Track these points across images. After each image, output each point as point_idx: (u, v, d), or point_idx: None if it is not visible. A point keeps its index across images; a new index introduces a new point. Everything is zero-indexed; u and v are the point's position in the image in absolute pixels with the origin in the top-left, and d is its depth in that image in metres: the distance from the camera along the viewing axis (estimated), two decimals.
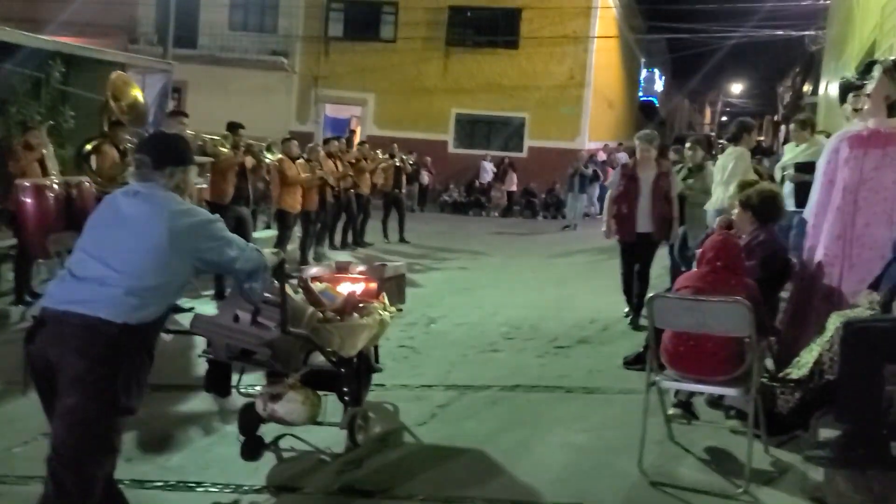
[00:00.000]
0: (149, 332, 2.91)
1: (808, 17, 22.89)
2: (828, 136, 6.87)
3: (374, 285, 4.77)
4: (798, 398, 4.38)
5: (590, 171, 19.78)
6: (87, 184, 7.50)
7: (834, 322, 4.30)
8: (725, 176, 7.13)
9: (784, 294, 5.58)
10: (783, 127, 26.17)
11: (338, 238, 12.78)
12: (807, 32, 23.00)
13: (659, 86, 39.77)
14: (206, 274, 7.78)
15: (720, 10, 24.16)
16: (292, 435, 4.36)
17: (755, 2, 23.70)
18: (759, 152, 13.63)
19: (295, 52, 24.53)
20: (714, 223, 5.74)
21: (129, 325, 2.80)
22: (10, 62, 8.61)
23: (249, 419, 4.14)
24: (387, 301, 4.64)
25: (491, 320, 7.83)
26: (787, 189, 7.21)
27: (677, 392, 4.70)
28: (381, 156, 14.25)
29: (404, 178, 15.28)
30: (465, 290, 9.65)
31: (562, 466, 4.27)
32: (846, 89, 5.67)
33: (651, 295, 4.29)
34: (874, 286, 4.37)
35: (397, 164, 14.56)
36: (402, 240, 14.26)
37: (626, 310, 7.68)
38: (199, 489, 3.87)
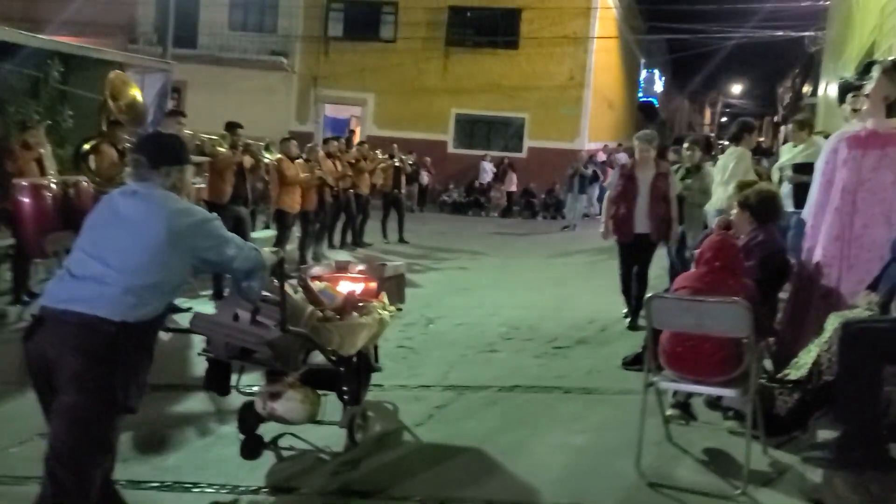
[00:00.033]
0: (147, 330, 2.92)
1: (808, 17, 22.94)
2: (826, 136, 6.86)
3: (373, 284, 4.79)
4: (796, 399, 4.39)
5: (589, 171, 19.77)
6: (85, 183, 7.49)
7: (832, 323, 4.30)
8: (726, 176, 7.13)
9: (783, 295, 5.57)
10: (783, 128, 26.18)
11: (337, 238, 12.79)
12: (806, 33, 23.01)
13: (659, 86, 39.74)
14: (204, 274, 7.81)
15: (720, 11, 24.16)
16: (291, 434, 4.35)
17: (755, 2, 23.70)
18: (758, 153, 13.64)
19: (295, 52, 24.55)
20: (714, 223, 5.74)
21: (127, 324, 2.80)
22: (9, 62, 8.59)
23: (249, 418, 4.13)
24: (386, 300, 4.64)
25: (490, 321, 7.82)
26: (786, 190, 7.20)
27: (675, 393, 4.70)
28: (380, 156, 14.26)
29: (404, 178, 15.27)
30: (464, 291, 9.64)
31: (560, 467, 4.27)
32: (845, 90, 5.67)
33: (649, 295, 4.29)
34: (872, 287, 4.37)
35: (397, 164, 14.55)
36: (401, 240, 14.25)
37: (625, 311, 7.67)
38: (195, 490, 3.86)
